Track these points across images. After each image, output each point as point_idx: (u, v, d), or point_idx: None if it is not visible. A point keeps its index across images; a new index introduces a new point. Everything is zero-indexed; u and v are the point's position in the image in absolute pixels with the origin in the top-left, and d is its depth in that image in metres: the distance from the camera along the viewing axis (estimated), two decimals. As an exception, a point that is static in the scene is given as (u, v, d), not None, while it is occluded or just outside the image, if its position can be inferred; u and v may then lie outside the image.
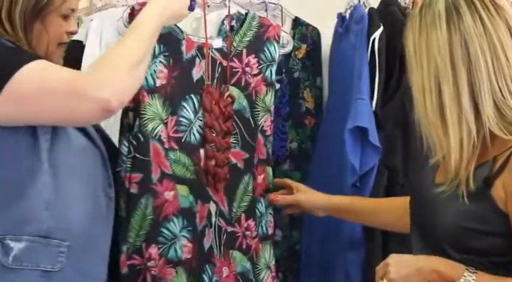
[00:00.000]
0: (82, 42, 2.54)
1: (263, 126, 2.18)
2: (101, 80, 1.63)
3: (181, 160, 2.01)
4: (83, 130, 1.77)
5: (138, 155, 1.95)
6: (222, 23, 2.20)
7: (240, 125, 2.13)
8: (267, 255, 2.20)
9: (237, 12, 2.20)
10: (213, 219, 2.07)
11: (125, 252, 1.95)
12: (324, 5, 2.63)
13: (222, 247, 2.09)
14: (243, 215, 2.13)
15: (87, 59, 2.44)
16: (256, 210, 2.16)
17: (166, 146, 1.99)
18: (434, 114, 1.61)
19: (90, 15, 2.68)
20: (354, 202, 2.18)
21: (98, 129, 1.91)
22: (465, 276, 1.56)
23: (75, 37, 2.76)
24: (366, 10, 2.45)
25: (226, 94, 2.10)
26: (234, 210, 2.12)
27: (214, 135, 2.06)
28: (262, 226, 2.18)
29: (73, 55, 2.14)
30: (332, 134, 2.47)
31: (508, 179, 1.55)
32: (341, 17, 2.53)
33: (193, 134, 2.05)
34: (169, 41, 2.02)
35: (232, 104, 2.10)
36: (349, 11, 2.49)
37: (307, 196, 2.19)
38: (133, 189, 1.95)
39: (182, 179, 2.01)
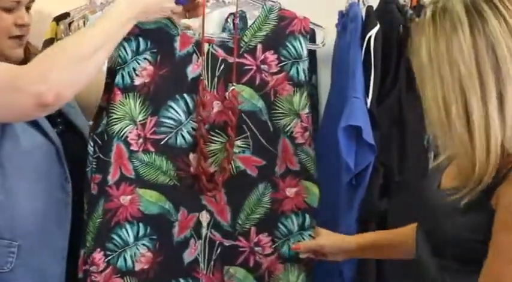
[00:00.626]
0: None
1: (291, 132, 1.96)
2: (37, 72, 1.57)
3: (156, 163, 1.88)
4: (36, 125, 1.73)
5: (101, 156, 1.86)
6: (226, 20, 2.12)
7: (253, 128, 1.94)
8: (292, 278, 2.00)
9: (240, 11, 2.07)
10: (203, 230, 1.92)
11: (81, 256, 1.86)
12: (324, 2, 2.61)
13: (212, 262, 1.94)
14: (253, 229, 1.95)
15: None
16: (282, 227, 1.97)
17: (135, 148, 1.86)
18: (462, 125, 1.52)
19: (96, 13, 2.68)
20: (376, 239, 2.05)
21: (71, 125, 1.89)
22: None
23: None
24: (364, 8, 2.45)
25: (229, 93, 1.92)
26: (240, 223, 1.94)
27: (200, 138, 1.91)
28: (289, 246, 1.98)
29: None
30: (329, 132, 2.47)
31: (504, 190, 1.53)
32: (341, 15, 2.53)
33: (182, 136, 1.91)
34: (159, 37, 1.88)
35: (233, 104, 1.92)
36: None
37: (330, 239, 2.00)
38: (94, 191, 1.86)
39: (152, 184, 1.88)
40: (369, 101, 2.35)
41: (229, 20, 2.14)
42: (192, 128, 1.91)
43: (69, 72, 1.60)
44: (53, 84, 1.56)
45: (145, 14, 1.78)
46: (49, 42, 2.68)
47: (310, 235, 1.98)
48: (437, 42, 1.53)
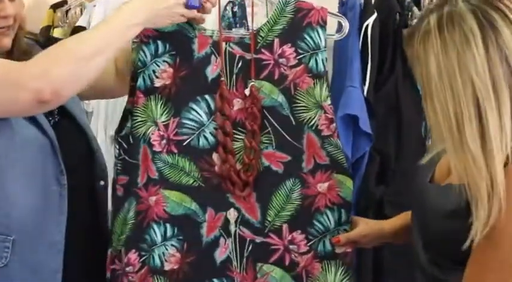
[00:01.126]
0: (85, 28, 2.54)
1: (316, 125, 1.91)
2: (37, 69, 1.59)
3: (180, 165, 1.88)
4: (30, 118, 1.73)
5: (127, 158, 1.88)
6: (225, 8, 2.10)
7: (274, 123, 1.91)
8: (330, 277, 1.94)
9: None
10: (232, 228, 1.91)
11: (108, 256, 1.91)
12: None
13: (245, 259, 1.91)
14: (285, 226, 1.91)
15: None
16: (317, 224, 1.92)
17: (158, 149, 1.87)
18: (475, 143, 1.46)
19: (93, 1, 2.68)
20: (408, 222, 1.98)
21: (68, 114, 1.88)
22: None
23: (78, 23, 2.78)
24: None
25: (247, 90, 1.90)
26: (270, 219, 1.91)
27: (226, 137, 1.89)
28: (324, 243, 1.93)
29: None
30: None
31: None
32: (341, 4, 2.53)
33: (205, 137, 1.90)
34: (177, 39, 1.88)
35: (257, 100, 1.90)
36: (346, -2, 2.49)
37: (370, 227, 1.94)
38: (119, 192, 1.89)
39: (176, 185, 1.88)
40: (365, 88, 2.36)
41: (227, 7, 2.13)
42: (215, 128, 1.90)
43: (68, 71, 1.61)
44: (52, 82, 1.58)
45: (152, 20, 1.76)
46: (46, 30, 2.68)
47: (345, 229, 1.93)
48: (448, 55, 1.47)
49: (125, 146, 1.88)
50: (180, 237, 1.88)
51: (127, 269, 1.87)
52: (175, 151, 1.88)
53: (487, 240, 1.49)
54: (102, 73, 1.89)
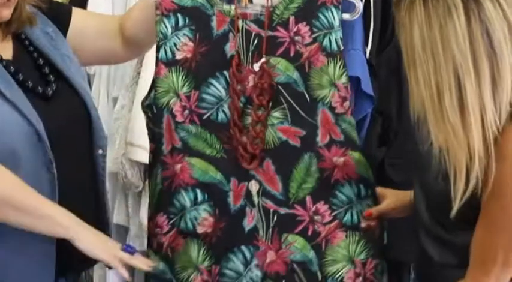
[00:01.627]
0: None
1: (330, 102, 1.96)
2: None
3: (202, 136, 1.96)
4: (13, 105, 1.75)
5: (152, 126, 1.98)
6: None
7: (289, 99, 1.96)
8: (352, 247, 1.99)
9: None
10: (255, 199, 1.97)
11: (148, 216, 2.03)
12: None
13: (270, 230, 1.98)
14: (308, 198, 1.97)
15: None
16: (340, 194, 1.98)
17: (180, 119, 1.95)
18: (455, 113, 1.52)
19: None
20: None
21: (65, 80, 1.90)
22: None
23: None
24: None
25: (258, 66, 1.95)
26: (293, 191, 1.97)
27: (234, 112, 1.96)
28: (352, 214, 1.98)
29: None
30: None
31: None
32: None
33: (223, 112, 1.96)
34: (196, 15, 1.94)
35: (268, 76, 1.95)
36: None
37: (400, 200, 1.96)
38: (150, 159, 2.01)
39: (200, 154, 1.96)
40: (368, 50, 2.36)
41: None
42: None
43: None
44: None
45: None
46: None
47: (368, 205, 1.98)
48: (431, 26, 1.51)
49: (150, 115, 1.96)
50: (211, 203, 1.96)
51: (156, 230, 1.98)
52: (198, 122, 1.95)
53: (493, 201, 1.53)
54: (104, 39, 1.91)
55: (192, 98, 1.95)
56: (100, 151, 1.96)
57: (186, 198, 1.95)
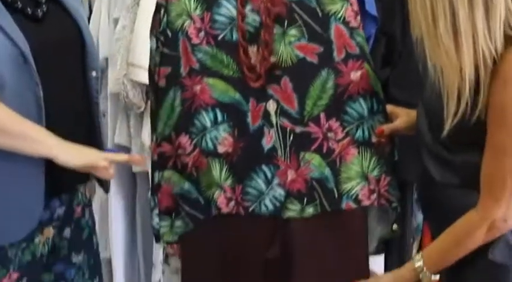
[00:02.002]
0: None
1: (343, 17, 1.98)
2: None
3: (219, 57, 1.97)
4: None
5: (167, 51, 1.97)
6: None
7: (304, 16, 1.97)
8: (365, 163, 2.02)
9: None
10: (273, 119, 2.00)
11: (154, 141, 2.03)
12: None
13: (288, 149, 2.01)
14: (322, 115, 1.99)
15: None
16: (351, 111, 2.00)
17: (196, 41, 1.96)
18: (449, 37, 1.57)
19: None
20: None
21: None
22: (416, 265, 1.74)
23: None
24: None
25: None
26: (308, 109, 1.99)
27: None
28: (363, 130, 2.00)
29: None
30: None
31: (493, 90, 1.59)
32: None
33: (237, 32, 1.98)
34: None
35: None
36: None
37: (412, 117, 1.95)
38: (162, 83, 1.99)
39: (219, 75, 1.98)
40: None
41: None
42: (247, 23, 1.96)
43: None
44: None
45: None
46: None
47: (379, 120, 2.00)
48: None
49: (163, 39, 1.96)
50: (231, 123, 1.98)
51: (179, 151, 2.00)
52: (213, 43, 1.96)
53: (497, 128, 1.55)
54: None
55: (205, 20, 1.96)
56: (93, 73, 1.96)
57: (206, 119, 1.98)
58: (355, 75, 1.97)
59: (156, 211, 2.03)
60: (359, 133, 2.00)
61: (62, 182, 1.89)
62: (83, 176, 1.95)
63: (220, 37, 1.97)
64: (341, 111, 1.99)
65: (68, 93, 1.90)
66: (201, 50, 1.96)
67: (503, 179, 1.64)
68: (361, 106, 1.99)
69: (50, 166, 1.81)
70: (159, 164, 2.03)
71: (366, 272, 2.03)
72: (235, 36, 1.96)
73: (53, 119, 1.82)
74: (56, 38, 1.86)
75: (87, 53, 1.94)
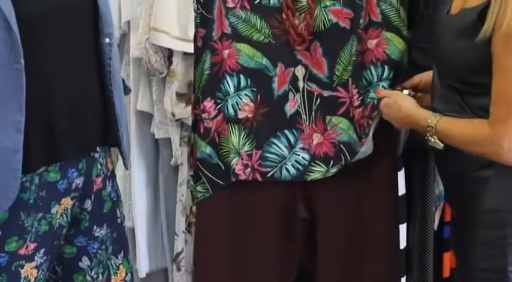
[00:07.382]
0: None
1: None
2: None
3: (252, 21, 1.99)
4: None
5: (204, 12, 2.02)
6: None
7: None
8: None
9: None
10: (300, 84, 2.02)
11: (192, 101, 2.12)
12: None
13: (313, 113, 2.02)
14: (350, 80, 2.02)
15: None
16: (363, 78, 2.04)
17: (231, 5, 1.99)
18: None
19: None
20: None
21: None
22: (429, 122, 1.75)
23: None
24: None
25: None
26: (338, 74, 2.01)
27: None
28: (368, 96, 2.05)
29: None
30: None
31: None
32: None
33: None
34: None
35: None
36: None
37: (429, 76, 1.99)
38: (199, 43, 2.05)
39: (248, 40, 2.00)
40: None
41: None
42: None
43: None
44: None
45: None
46: None
47: (383, 86, 2.02)
48: None
49: (202, 1, 1.99)
50: (254, 89, 2.01)
51: (203, 115, 2.03)
52: (248, 7, 1.97)
53: (505, 51, 1.63)
54: None
55: None
56: (107, 40, 1.90)
57: (230, 84, 2.00)
58: (372, 43, 2.00)
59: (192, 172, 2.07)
60: (367, 100, 2.03)
61: (62, 149, 1.83)
62: (84, 145, 1.89)
63: (257, 1, 1.98)
64: (359, 78, 2.02)
65: (78, 60, 1.85)
66: (235, 14, 1.98)
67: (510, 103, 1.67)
68: (371, 74, 2.02)
69: (48, 132, 1.78)
70: (193, 124, 2.09)
71: (395, 214, 2.10)
72: (272, 0, 1.97)
73: (67, 85, 1.80)
74: (61, 3, 1.80)
75: (101, 18, 1.88)
